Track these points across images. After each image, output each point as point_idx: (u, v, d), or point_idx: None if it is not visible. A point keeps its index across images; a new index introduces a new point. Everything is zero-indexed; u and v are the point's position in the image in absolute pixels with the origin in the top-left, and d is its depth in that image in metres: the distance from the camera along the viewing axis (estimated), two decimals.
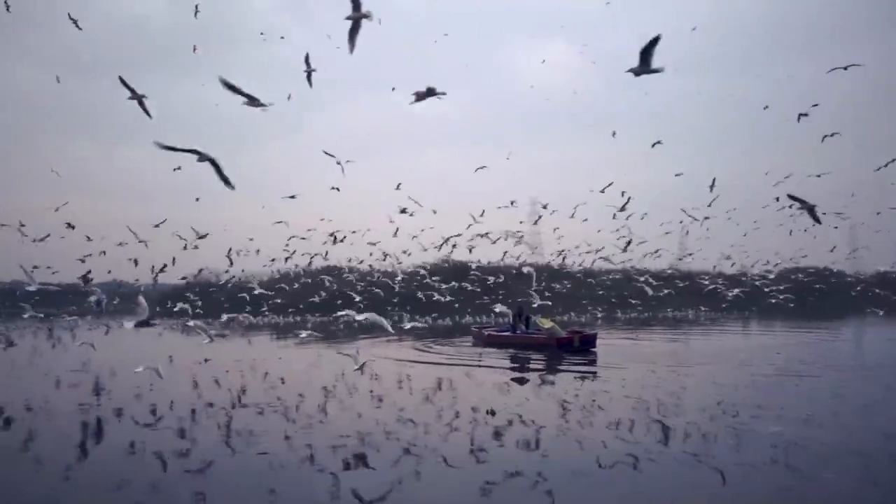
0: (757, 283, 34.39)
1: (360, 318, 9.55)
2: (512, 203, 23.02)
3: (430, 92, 6.70)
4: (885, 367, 12.88)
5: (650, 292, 28.38)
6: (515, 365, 14.27)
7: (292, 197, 16.50)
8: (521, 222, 21.22)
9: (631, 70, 6.28)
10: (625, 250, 22.77)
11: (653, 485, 5.41)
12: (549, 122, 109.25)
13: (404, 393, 10.14)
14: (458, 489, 5.31)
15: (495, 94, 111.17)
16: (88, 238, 20.54)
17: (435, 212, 21.73)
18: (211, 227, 22.20)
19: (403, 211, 19.19)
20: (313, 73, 8.97)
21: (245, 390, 10.46)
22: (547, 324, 17.16)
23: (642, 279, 30.62)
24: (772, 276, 41.85)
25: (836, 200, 20.64)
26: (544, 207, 22.11)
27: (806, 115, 13.28)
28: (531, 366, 14.13)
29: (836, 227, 18.80)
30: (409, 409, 8.59)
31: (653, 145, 16.27)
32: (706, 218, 19.76)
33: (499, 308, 19.03)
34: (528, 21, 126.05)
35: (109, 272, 24.68)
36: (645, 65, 6.16)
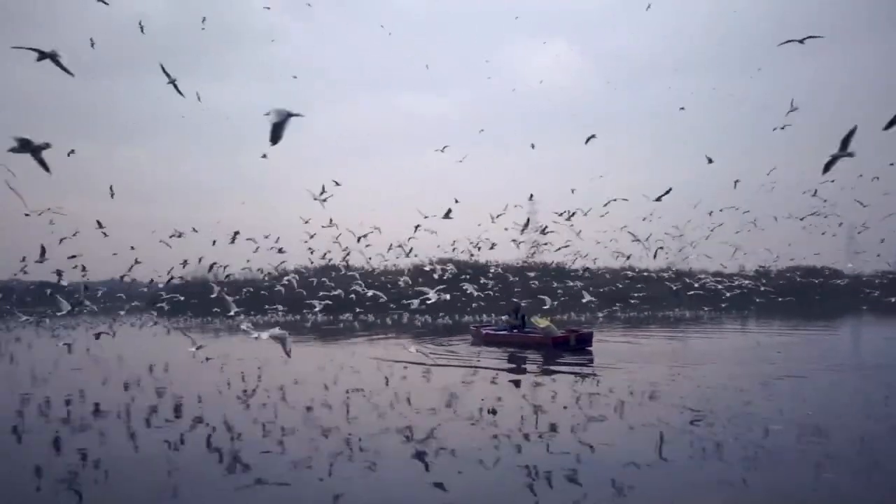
0: (748, 283, 34.34)
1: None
2: (531, 197, 22.88)
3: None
4: (884, 367, 12.79)
5: (688, 292, 28.97)
6: (512, 365, 14.13)
7: (323, 195, 15.99)
8: (556, 220, 20.56)
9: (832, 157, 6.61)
10: (655, 257, 22.60)
11: (654, 483, 5.34)
12: (549, 122, 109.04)
13: (405, 394, 10.04)
14: (466, 490, 5.24)
15: (495, 95, 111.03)
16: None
17: (457, 200, 21.56)
18: (210, 226, 21.94)
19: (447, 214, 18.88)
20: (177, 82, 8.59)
21: (255, 388, 10.42)
22: (542, 323, 17.15)
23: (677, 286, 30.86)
24: (772, 275, 41.72)
25: (839, 200, 20.52)
26: (571, 216, 21.54)
27: (796, 108, 13.59)
28: (527, 366, 13.98)
29: (840, 224, 18.49)
30: (411, 409, 8.53)
31: (586, 141, 15.63)
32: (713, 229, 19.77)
33: (547, 304, 18.79)
34: (527, 21, 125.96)
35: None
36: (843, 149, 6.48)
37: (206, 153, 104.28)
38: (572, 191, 20.40)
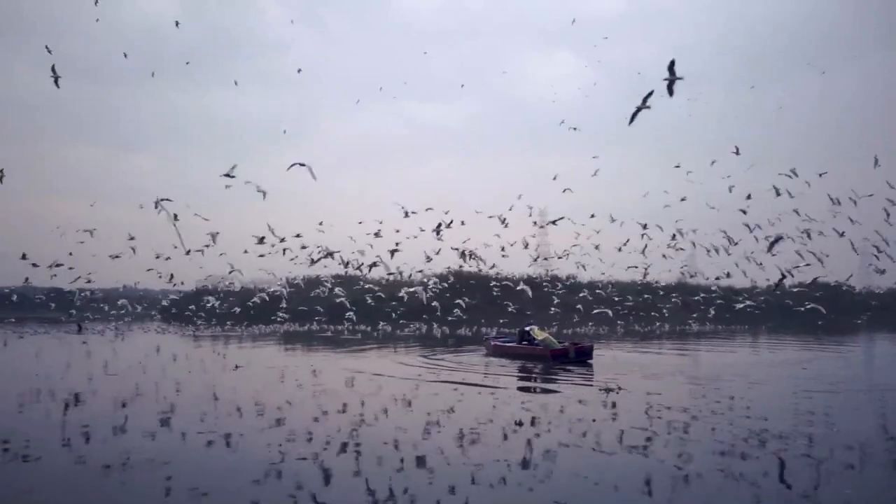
0: (743, 297, 33.50)
1: None
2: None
3: None
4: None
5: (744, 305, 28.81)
6: (522, 375, 13.56)
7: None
8: (593, 232, 19.34)
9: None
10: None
11: (669, 498, 4.91)
12: (552, 132, 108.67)
13: (426, 405, 9.40)
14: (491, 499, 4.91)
15: (501, 104, 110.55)
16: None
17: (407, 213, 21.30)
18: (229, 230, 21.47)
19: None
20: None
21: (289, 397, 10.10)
22: (540, 335, 16.71)
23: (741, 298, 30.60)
24: (785, 289, 40.35)
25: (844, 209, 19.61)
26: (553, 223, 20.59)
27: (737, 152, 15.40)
28: (530, 377, 13.37)
29: (842, 234, 17.43)
30: (434, 420, 8.03)
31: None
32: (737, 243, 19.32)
33: None
34: (535, 31, 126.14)
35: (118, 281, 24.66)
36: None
37: (211, 160, 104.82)
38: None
